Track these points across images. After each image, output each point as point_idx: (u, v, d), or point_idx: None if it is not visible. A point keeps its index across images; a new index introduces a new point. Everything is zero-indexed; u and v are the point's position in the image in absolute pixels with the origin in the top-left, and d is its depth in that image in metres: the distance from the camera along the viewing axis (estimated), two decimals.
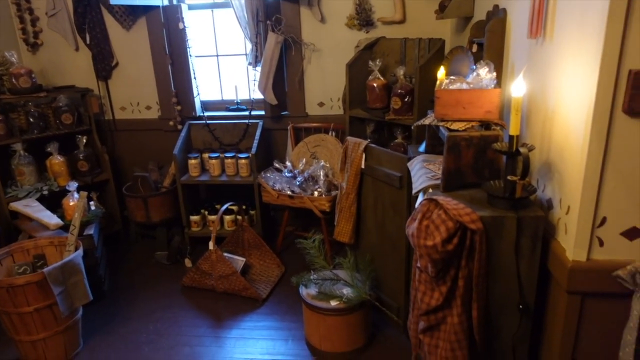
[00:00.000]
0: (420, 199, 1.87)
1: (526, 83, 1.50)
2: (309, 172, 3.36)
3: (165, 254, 3.52)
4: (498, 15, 2.13)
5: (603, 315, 1.46)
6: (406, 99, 3.02)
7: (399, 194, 2.32)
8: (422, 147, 2.32)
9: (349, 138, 2.64)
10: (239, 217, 3.48)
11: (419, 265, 1.61)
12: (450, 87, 1.80)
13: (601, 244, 1.41)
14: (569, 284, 1.42)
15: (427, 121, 1.89)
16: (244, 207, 3.59)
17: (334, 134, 3.58)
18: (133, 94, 3.82)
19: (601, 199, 1.36)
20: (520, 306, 1.58)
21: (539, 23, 1.64)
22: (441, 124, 1.80)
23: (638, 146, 1.30)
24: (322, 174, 3.31)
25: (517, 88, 1.47)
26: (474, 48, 2.32)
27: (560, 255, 1.48)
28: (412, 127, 2.03)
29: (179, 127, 3.72)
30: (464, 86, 1.78)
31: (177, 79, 3.69)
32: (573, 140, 1.43)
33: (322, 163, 3.38)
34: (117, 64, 3.74)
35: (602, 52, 1.23)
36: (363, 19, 3.40)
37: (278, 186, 3.30)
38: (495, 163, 1.69)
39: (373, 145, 2.47)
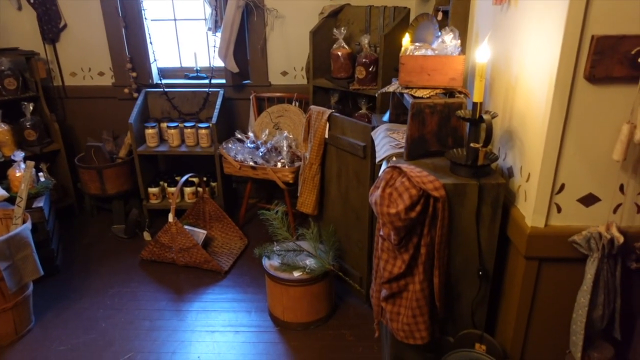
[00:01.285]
0: (383, 167, 1.85)
1: (490, 50, 1.49)
2: (272, 143, 3.29)
3: (122, 228, 3.40)
4: None
5: (558, 279, 1.50)
6: (371, 69, 2.97)
7: (362, 164, 2.29)
8: (386, 117, 2.30)
9: (312, 107, 2.58)
10: (200, 189, 3.39)
11: (381, 233, 1.60)
12: (415, 53, 1.77)
13: (559, 210, 1.43)
14: (527, 250, 1.45)
15: (391, 88, 1.86)
16: (204, 178, 3.49)
17: (297, 104, 3.51)
18: (84, 59, 3.60)
19: (560, 166, 1.38)
20: (480, 272, 1.60)
21: None
22: (405, 91, 1.77)
23: (597, 113, 1.32)
24: (285, 144, 3.24)
25: (482, 54, 1.45)
26: (439, 16, 2.29)
27: (519, 222, 1.50)
28: (377, 95, 1.99)
29: (135, 95, 3.55)
30: (429, 53, 1.75)
31: (131, 43, 3.49)
32: (535, 107, 1.43)
33: (285, 134, 3.31)
34: (65, 25, 3.49)
35: (566, 17, 1.22)
36: None
37: (240, 157, 3.22)
38: (458, 131, 1.68)
39: (337, 114, 2.43)
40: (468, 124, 1.55)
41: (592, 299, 1.37)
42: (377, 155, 1.89)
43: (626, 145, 1.28)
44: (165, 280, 2.88)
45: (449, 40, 1.74)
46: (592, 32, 1.23)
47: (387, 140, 1.93)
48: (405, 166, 1.55)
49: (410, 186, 1.47)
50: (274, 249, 2.52)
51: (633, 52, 1.22)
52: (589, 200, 1.41)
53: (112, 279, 2.89)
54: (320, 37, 3.15)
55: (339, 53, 3.11)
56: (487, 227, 1.56)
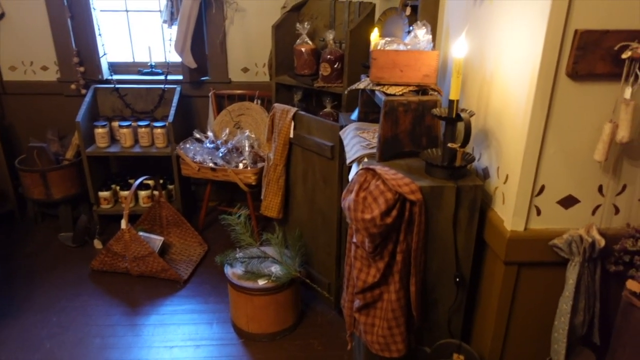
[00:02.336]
0: (354, 169, 1.74)
1: (472, 46, 1.42)
2: (233, 142, 3.13)
3: (70, 235, 3.14)
4: None
5: (538, 284, 1.44)
6: (336, 66, 2.86)
7: (330, 165, 2.19)
8: (354, 115, 2.20)
9: (276, 105, 2.45)
10: (156, 193, 3.18)
11: (354, 240, 1.50)
12: (387, 48, 1.67)
13: (539, 213, 1.37)
14: (507, 255, 1.38)
15: (361, 85, 1.76)
16: (161, 181, 3.29)
17: (259, 102, 3.36)
18: (25, 51, 3.30)
19: (541, 167, 1.32)
20: (457, 279, 1.53)
21: None
22: (377, 88, 1.67)
23: (578, 111, 1.26)
24: (247, 144, 3.09)
25: (459, 49, 1.37)
26: (408, 10, 2.21)
27: (497, 226, 1.43)
28: (345, 93, 1.89)
29: (83, 91, 3.29)
30: (401, 47, 1.66)
31: (78, 35, 3.23)
32: (513, 106, 1.36)
33: (247, 133, 3.15)
34: (2, 14, 3.19)
35: (549, 10, 1.15)
36: None
37: (199, 158, 3.04)
38: (433, 130, 1.60)
39: (302, 112, 2.31)
40: (443, 123, 1.47)
41: (574, 305, 1.32)
42: (347, 156, 1.79)
43: (608, 145, 1.23)
44: (118, 292, 2.67)
45: (421, 35, 1.65)
46: (575, 27, 1.17)
47: (357, 140, 1.83)
48: (379, 168, 1.45)
49: (385, 189, 1.38)
50: (237, 255, 2.37)
51: (616, 48, 1.17)
52: (568, 202, 1.36)
53: (58, 292, 2.65)
54: (283, 32, 3.02)
55: (303, 49, 2.99)
56: (464, 231, 1.49)
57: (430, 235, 1.48)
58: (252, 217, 3.05)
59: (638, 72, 1.16)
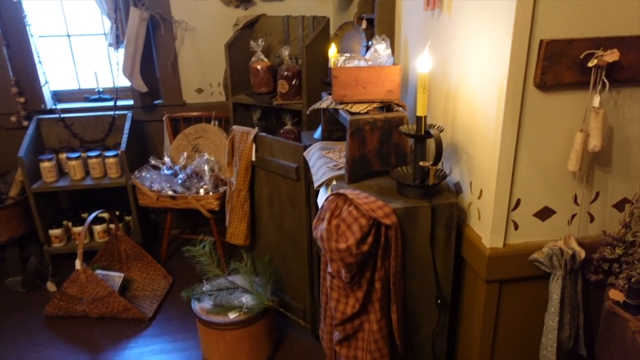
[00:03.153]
0: (323, 193, 1.67)
1: (432, 59, 1.37)
2: (192, 167, 2.99)
3: (19, 280, 2.90)
4: None
5: (520, 300, 1.40)
6: (294, 82, 2.79)
7: (296, 187, 2.10)
8: (317, 134, 2.13)
9: (235, 127, 2.34)
10: (112, 226, 2.99)
11: (329, 270, 1.41)
12: (348, 64, 1.61)
13: (516, 227, 1.34)
14: (488, 273, 1.34)
15: (324, 104, 1.69)
16: (117, 213, 3.10)
17: (217, 123, 3.24)
18: None
19: (515, 181, 1.28)
20: (439, 300, 1.47)
21: None
22: (340, 106, 1.60)
23: (548, 122, 1.24)
24: (207, 168, 2.96)
25: (423, 64, 1.32)
26: (364, 24, 2.17)
27: (475, 243, 1.38)
28: (307, 112, 1.82)
29: (25, 123, 3.07)
30: (362, 63, 1.60)
31: (16, 64, 3.02)
32: (481, 119, 1.33)
33: (205, 156, 3.03)
34: None
35: (514, 22, 1.12)
36: None
37: (157, 186, 2.88)
38: (401, 147, 1.55)
39: (263, 134, 2.21)
40: (412, 140, 1.41)
41: (560, 320, 1.29)
42: (314, 179, 1.70)
43: (581, 155, 1.20)
44: (77, 338, 2.47)
45: (382, 50, 1.60)
46: (540, 37, 1.14)
47: (323, 161, 1.75)
48: (350, 192, 1.37)
49: (358, 215, 1.30)
50: (204, 289, 2.24)
51: (582, 57, 1.15)
52: (544, 213, 1.33)
53: (9, 343, 2.42)
54: (237, 50, 2.93)
55: (259, 67, 2.90)
56: (442, 250, 1.44)
57: (408, 258, 1.42)
58: (217, 245, 2.92)
59: (605, 80, 1.15)
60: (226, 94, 3.09)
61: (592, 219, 1.36)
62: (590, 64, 1.13)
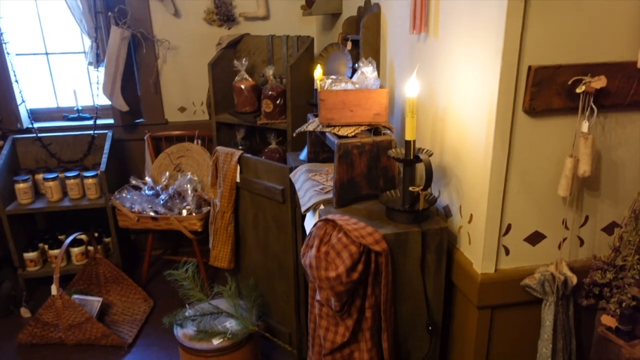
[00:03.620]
0: (310, 218, 1.63)
1: (418, 82, 1.36)
2: (174, 187, 2.93)
3: None
4: (372, 11, 1.99)
5: (513, 325, 1.38)
6: (278, 101, 2.78)
7: (282, 209, 2.06)
8: (303, 155, 2.10)
9: (219, 148, 2.30)
10: (90, 248, 2.90)
11: (318, 298, 1.37)
12: (334, 87, 1.60)
13: (507, 252, 1.32)
14: (480, 300, 1.31)
15: (310, 127, 1.66)
16: (95, 235, 3.01)
17: (199, 142, 3.20)
18: None
19: (506, 206, 1.27)
20: (430, 327, 1.44)
21: (422, 18, 1.51)
22: (327, 129, 1.58)
23: (538, 147, 1.23)
24: (189, 188, 2.90)
25: (412, 88, 1.31)
26: (349, 45, 2.17)
27: (467, 269, 1.36)
28: (294, 135, 1.80)
29: (0, 142, 2.97)
30: (349, 86, 1.59)
31: None
32: (471, 143, 1.32)
33: (188, 176, 2.97)
34: None
35: (502, 48, 1.12)
36: (223, 13, 3.07)
37: (138, 207, 2.81)
38: (389, 171, 1.53)
39: (248, 155, 2.18)
40: (401, 164, 1.39)
41: (553, 347, 1.27)
42: (301, 202, 1.67)
43: (571, 180, 1.20)
44: None
45: (369, 73, 1.59)
46: (528, 63, 1.14)
47: (309, 184, 1.72)
48: (339, 217, 1.35)
49: (348, 242, 1.27)
50: (187, 314, 2.17)
51: (570, 83, 1.15)
52: (535, 238, 1.32)
53: None
54: (220, 69, 2.90)
55: (242, 86, 2.88)
56: (432, 276, 1.41)
57: (398, 284, 1.39)
58: (200, 267, 2.85)
59: (593, 106, 1.15)
60: (209, 113, 3.05)
61: (581, 242, 1.35)
62: (578, 90, 1.14)
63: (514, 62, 1.13)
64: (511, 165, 1.23)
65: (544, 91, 1.15)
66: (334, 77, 1.73)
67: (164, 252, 3.33)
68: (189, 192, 2.88)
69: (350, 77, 1.98)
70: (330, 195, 1.59)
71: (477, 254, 1.32)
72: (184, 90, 3.24)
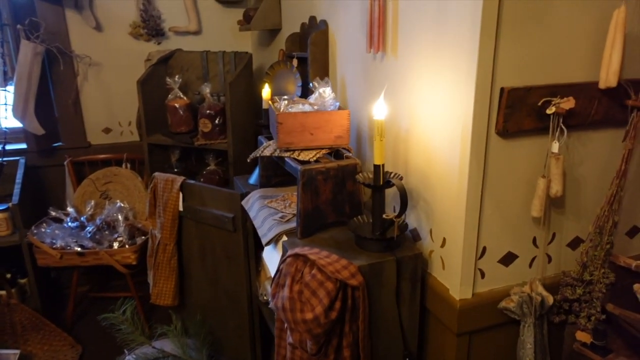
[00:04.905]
0: (271, 249, 1.51)
1: (385, 103, 1.30)
2: (102, 217, 2.65)
3: None
4: (319, 28, 1.93)
5: (489, 349, 1.36)
6: (217, 120, 2.62)
7: (232, 238, 1.91)
8: (253, 179, 1.97)
9: (157, 175, 2.10)
10: (2, 293, 2.53)
11: (290, 340, 1.25)
12: (291, 109, 1.50)
13: (482, 275, 1.29)
14: (460, 326, 1.27)
15: (266, 152, 1.55)
16: (8, 276, 2.63)
17: (129, 165, 2.93)
18: None
19: (481, 229, 1.24)
20: (407, 358, 1.37)
21: (379, 38, 1.46)
22: (286, 154, 1.48)
23: (508, 168, 1.22)
24: (120, 217, 2.64)
25: (380, 110, 1.25)
26: (295, 62, 2.08)
27: (443, 295, 1.32)
28: (248, 160, 1.66)
29: None
30: (307, 108, 1.50)
31: None
32: (440, 165, 1.28)
33: (118, 204, 2.70)
34: None
35: (476, 70, 1.09)
36: (151, 27, 2.85)
37: (60, 242, 2.50)
38: (355, 196, 1.45)
39: (192, 181, 2.00)
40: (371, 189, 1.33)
41: None
42: (260, 233, 1.54)
43: (544, 200, 1.20)
44: None
45: (327, 93, 1.51)
46: (500, 85, 1.13)
47: (266, 211, 1.60)
48: (309, 251, 1.24)
49: (323, 279, 1.17)
50: None
51: (540, 104, 1.15)
52: (508, 259, 1.31)
53: None
54: (151, 87, 2.69)
55: (177, 104, 2.70)
56: (408, 304, 1.35)
57: (374, 317, 1.31)
58: (137, 306, 2.59)
59: (562, 126, 1.16)
60: (140, 134, 2.82)
61: (549, 259, 1.36)
62: (548, 112, 1.14)
63: (488, 83, 1.11)
64: (485, 187, 1.20)
65: (516, 113, 1.14)
66: (286, 97, 1.64)
67: (91, 288, 3.00)
68: (120, 221, 2.62)
69: (300, 97, 1.90)
70: (292, 225, 1.48)
71: (454, 279, 1.28)
72: (109, 109, 2.96)
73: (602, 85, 1.17)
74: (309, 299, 1.16)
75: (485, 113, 1.13)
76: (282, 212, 1.58)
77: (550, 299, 1.25)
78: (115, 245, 2.55)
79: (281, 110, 1.49)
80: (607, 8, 1.14)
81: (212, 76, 2.83)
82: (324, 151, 1.49)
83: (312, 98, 1.53)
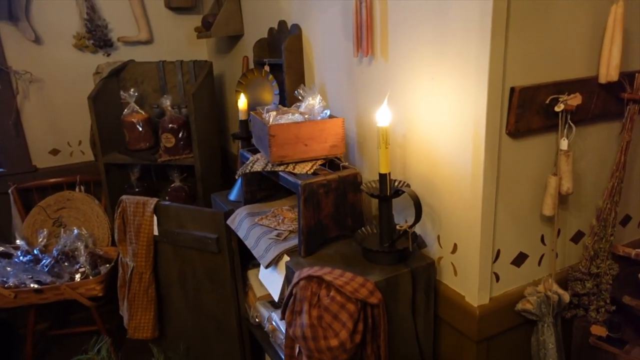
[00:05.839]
0: (269, 271, 1.41)
1: (389, 110, 1.25)
2: (59, 247, 2.41)
3: None
4: (292, 33, 1.85)
5: (506, 353, 1.33)
6: (181, 134, 2.47)
7: (217, 260, 1.78)
8: (233, 196, 1.86)
9: (125, 198, 1.93)
10: None
11: None
12: (281, 120, 1.41)
13: (497, 279, 1.27)
14: (480, 334, 1.23)
15: (257, 167, 1.45)
16: None
17: (83, 188, 2.70)
18: None
19: (495, 232, 1.21)
20: None
21: (368, 41, 1.41)
22: (280, 168, 1.39)
23: (520, 169, 1.20)
24: (80, 246, 2.42)
25: (384, 116, 1.19)
26: (266, 68, 1.99)
27: (458, 302, 1.28)
28: (236, 177, 1.55)
29: None
30: (298, 118, 1.41)
31: None
32: (447, 170, 1.24)
33: (75, 231, 2.48)
34: None
35: (488, 70, 1.05)
36: (98, 38, 2.64)
37: (13, 280, 2.25)
38: (357, 207, 1.39)
39: (167, 203, 1.85)
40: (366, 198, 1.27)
41: None
42: (256, 254, 1.44)
43: (556, 199, 1.19)
44: None
45: (317, 101, 1.44)
46: (510, 84, 1.10)
47: (259, 230, 1.50)
48: (321, 271, 1.16)
49: (344, 301, 1.09)
50: None
51: (547, 101, 1.14)
52: (520, 259, 1.29)
53: None
54: (103, 102, 2.49)
55: (134, 120, 2.52)
56: (423, 316, 1.30)
57: (391, 333, 1.25)
58: (106, 340, 2.37)
59: (571, 123, 1.15)
60: (94, 154, 2.59)
61: (556, 256, 1.36)
62: (557, 109, 1.13)
63: (499, 84, 1.08)
64: (499, 189, 1.17)
65: (526, 112, 1.12)
66: (270, 107, 1.54)
67: (51, 325, 2.73)
68: (81, 249, 2.40)
69: (278, 106, 1.81)
70: (291, 242, 1.39)
71: (470, 285, 1.24)
72: (55, 129, 2.71)
73: (602, 80, 1.17)
74: (331, 324, 1.08)
75: (497, 114, 1.10)
76: (277, 229, 1.48)
77: (566, 297, 1.25)
78: (78, 277, 2.33)
79: (271, 121, 1.40)
80: (603, 3, 1.15)
81: (170, 87, 2.66)
82: (319, 162, 1.41)
83: (302, 107, 1.45)
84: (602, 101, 1.23)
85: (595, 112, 1.23)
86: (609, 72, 1.15)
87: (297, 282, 1.16)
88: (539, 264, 1.33)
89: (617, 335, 1.24)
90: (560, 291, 1.25)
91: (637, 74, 1.23)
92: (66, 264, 2.38)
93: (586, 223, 1.38)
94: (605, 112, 1.26)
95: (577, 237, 1.38)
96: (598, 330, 1.25)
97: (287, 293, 1.19)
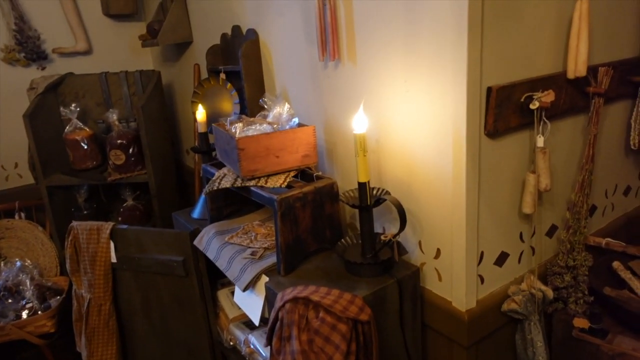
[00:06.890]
0: (249, 294, 1.33)
1: (365, 116, 1.20)
2: (1, 283, 2.19)
3: None
4: (249, 38, 1.76)
5: (493, 355, 1.32)
6: (131, 150, 2.32)
7: (184, 284, 1.67)
8: (197, 213, 1.75)
9: (75, 224, 1.76)
10: None
11: None
12: (248, 132, 1.33)
13: (482, 281, 1.25)
14: (469, 338, 1.21)
15: (226, 183, 1.35)
16: None
17: (23, 215, 2.48)
18: None
19: (479, 234, 1.19)
20: None
21: (334, 45, 1.35)
22: (251, 183, 1.30)
23: (497, 168, 1.19)
24: (25, 279, 2.21)
25: (360, 122, 1.14)
26: (222, 76, 1.89)
27: (445, 308, 1.25)
28: (203, 194, 1.45)
29: None
30: (267, 128, 1.34)
31: None
32: (427, 174, 1.21)
33: (18, 263, 2.26)
34: None
35: (467, 71, 1.03)
36: (30, 50, 2.43)
37: None
38: (334, 218, 1.33)
39: (124, 226, 1.71)
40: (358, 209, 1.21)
41: None
42: (231, 277, 1.34)
43: (535, 196, 1.19)
44: None
45: (285, 110, 1.36)
46: (486, 84, 1.08)
47: (230, 250, 1.41)
48: (306, 291, 1.09)
49: (334, 321, 1.03)
50: None
51: (522, 99, 1.13)
52: (502, 259, 1.28)
53: None
54: (41, 120, 2.29)
55: (78, 137, 2.34)
56: (411, 325, 1.27)
57: (381, 346, 1.20)
58: None
59: (545, 120, 1.15)
60: (34, 177, 2.38)
61: (533, 251, 1.37)
62: (532, 107, 1.12)
63: (477, 84, 1.06)
64: (480, 191, 1.16)
65: (503, 111, 1.11)
66: (234, 118, 1.46)
67: None
68: (27, 284, 2.19)
69: (240, 116, 1.72)
70: (268, 261, 1.31)
71: (456, 290, 1.22)
72: None
73: (571, 75, 1.19)
74: (323, 348, 1.02)
75: (477, 114, 1.08)
76: (250, 247, 1.39)
77: (549, 293, 1.25)
78: (24, 314, 2.12)
79: (237, 134, 1.31)
80: None
81: (115, 100, 2.49)
82: (292, 174, 1.34)
83: (270, 116, 1.38)
84: (569, 96, 1.24)
85: (564, 107, 1.25)
86: (577, 67, 1.16)
87: (283, 306, 1.09)
88: (519, 261, 1.33)
89: (598, 326, 1.26)
90: (544, 287, 1.25)
91: (599, 68, 1.25)
92: (10, 300, 2.17)
93: (559, 217, 1.40)
94: (573, 107, 1.27)
95: (552, 231, 1.40)
96: (581, 322, 1.27)
97: (271, 318, 1.12)
